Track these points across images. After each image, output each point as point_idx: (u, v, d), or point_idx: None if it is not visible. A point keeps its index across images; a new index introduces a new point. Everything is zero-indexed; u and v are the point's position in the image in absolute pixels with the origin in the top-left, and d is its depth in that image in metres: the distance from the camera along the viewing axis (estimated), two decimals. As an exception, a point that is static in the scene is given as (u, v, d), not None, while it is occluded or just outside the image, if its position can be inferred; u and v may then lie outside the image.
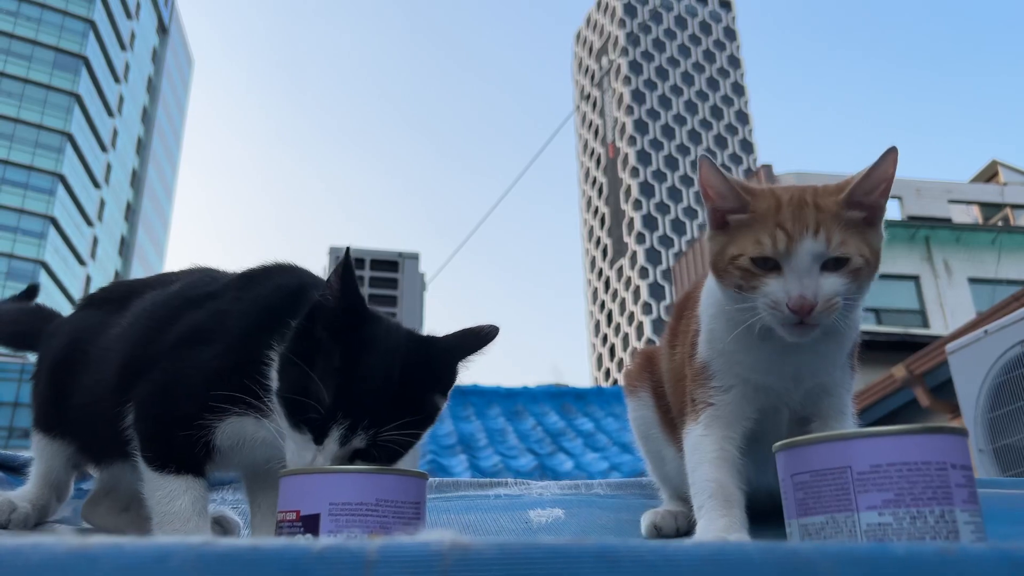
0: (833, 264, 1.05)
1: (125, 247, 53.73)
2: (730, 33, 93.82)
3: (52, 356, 1.35)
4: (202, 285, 1.26)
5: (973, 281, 17.82)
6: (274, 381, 1.06)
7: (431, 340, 1.13)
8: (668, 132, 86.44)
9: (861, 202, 1.09)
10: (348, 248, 1.04)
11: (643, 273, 76.92)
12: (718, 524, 1.04)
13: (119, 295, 1.38)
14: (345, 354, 1.02)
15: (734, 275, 1.09)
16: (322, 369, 1.01)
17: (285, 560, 0.43)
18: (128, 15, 53.10)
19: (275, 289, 1.18)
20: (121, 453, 1.19)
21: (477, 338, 1.13)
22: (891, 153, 1.08)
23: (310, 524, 0.85)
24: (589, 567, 0.44)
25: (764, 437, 1.14)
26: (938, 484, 0.69)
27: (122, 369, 1.19)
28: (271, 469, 1.20)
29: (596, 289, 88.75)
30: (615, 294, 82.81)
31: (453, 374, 1.12)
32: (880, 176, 1.09)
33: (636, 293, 77.40)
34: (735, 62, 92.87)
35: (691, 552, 0.45)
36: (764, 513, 1.14)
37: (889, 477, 0.69)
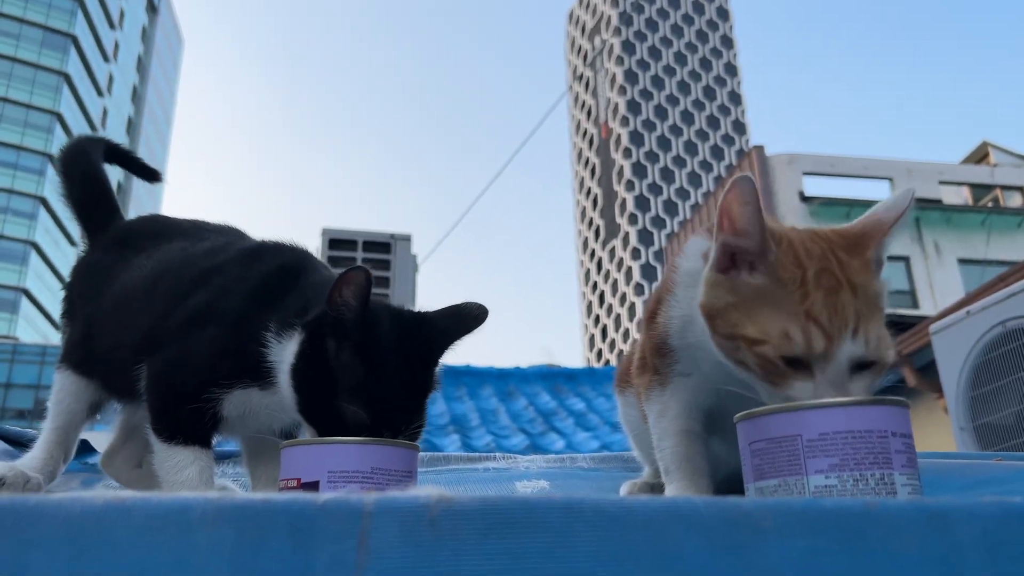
0: (864, 363, 0.91)
1: (116, 228, 53.33)
2: (723, 13, 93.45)
3: (92, 304, 1.41)
4: (220, 253, 1.31)
5: (963, 262, 17.97)
6: (288, 392, 1.10)
7: (425, 318, 1.19)
8: (661, 112, 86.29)
9: (878, 255, 0.97)
10: (368, 271, 1.07)
11: (635, 254, 77.08)
12: (684, 487, 1.11)
13: (152, 235, 1.45)
14: (366, 365, 1.07)
15: (746, 358, 0.93)
16: (349, 388, 1.06)
17: (292, 511, 0.49)
18: (117, -7, 52.61)
19: (275, 270, 1.23)
20: (135, 395, 1.27)
21: (469, 320, 1.19)
22: (907, 195, 0.99)
23: (310, 490, 0.92)
24: (557, 516, 0.51)
25: (727, 421, 1.06)
26: (879, 450, 0.76)
27: (140, 337, 1.26)
28: (271, 443, 1.28)
29: (588, 270, 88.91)
30: (607, 275, 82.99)
31: (444, 350, 1.19)
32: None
33: (628, 274, 77.59)
34: (728, 42, 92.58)
35: (646, 504, 0.52)
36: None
37: (835, 444, 0.76)
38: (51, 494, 0.50)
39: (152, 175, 1.81)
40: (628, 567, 0.50)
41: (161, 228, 1.48)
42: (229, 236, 1.41)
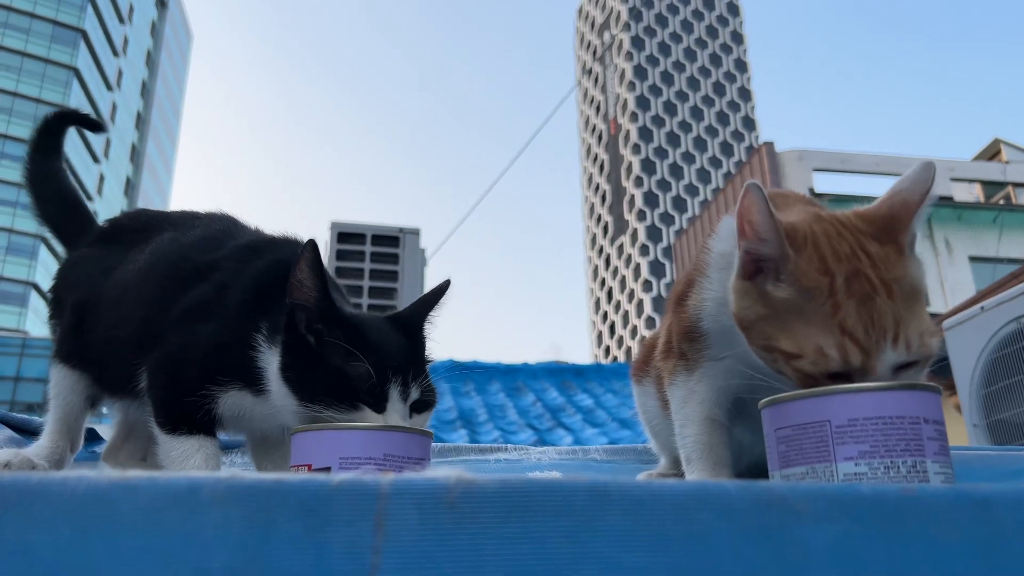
0: (909, 363, 0.88)
1: (125, 222, 53.42)
2: (733, 8, 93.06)
3: (79, 292, 1.39)
4: (214, 246, 1.30)
5: (974, 259, 17.85)
6: (285, 395, 1.09)
7: (397, 314, 1.21)
8: (670, 108, 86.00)
9: (911, 235, 0.94)
10: (312, 240, 1.08)
11: (644, 250, 76.87)
12: (705, 475, 1.09)
13: (141, 227, 1.43)
14: (350, 332, 1.08)
15: (785, 369, 0.91)
16: (342, 351, 1.05)
17: (306, 491, 0.47)
18: (126, -12, 52.68)
19: (270, 265, 1.22)
20: (130, 391, 1.26)
21: (431, 296, 1.21)
22: (928, 168, 0.94)
23: (321, 477, 0.90)
24: (582, 499, 0.48)
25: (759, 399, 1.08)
26: (911, 437, 0.74)
27: (137, 334, 1.24)
28: (274, 435, 1.27)
29: (597, 266, 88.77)
30: (615, 271, 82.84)
31: (423, 340, 1.20)
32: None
33: (637, 270, 77.41)
34: (738, 38, 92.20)
35: (674, 488, 0.50)
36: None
37: (865, 430, 0.74)
38: (54, 473, 0.48)
39: (98, 127, 1.83)
40: (656, 552, 0.48)
41: (148, 221, 1.46)
42: (222, 224, 1.39)
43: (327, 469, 0.90)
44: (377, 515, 0.47)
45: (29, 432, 1.68)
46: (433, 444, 1.49)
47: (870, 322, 0.86)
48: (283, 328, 1.10)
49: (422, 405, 1.10)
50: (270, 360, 1.11)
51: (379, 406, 1.05)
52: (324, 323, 1.08)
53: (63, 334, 1.40)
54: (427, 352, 1.18)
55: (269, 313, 1.14)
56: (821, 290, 0.88)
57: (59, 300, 1.45)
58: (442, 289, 1.21)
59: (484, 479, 0.49)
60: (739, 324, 0.96)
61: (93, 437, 1.76)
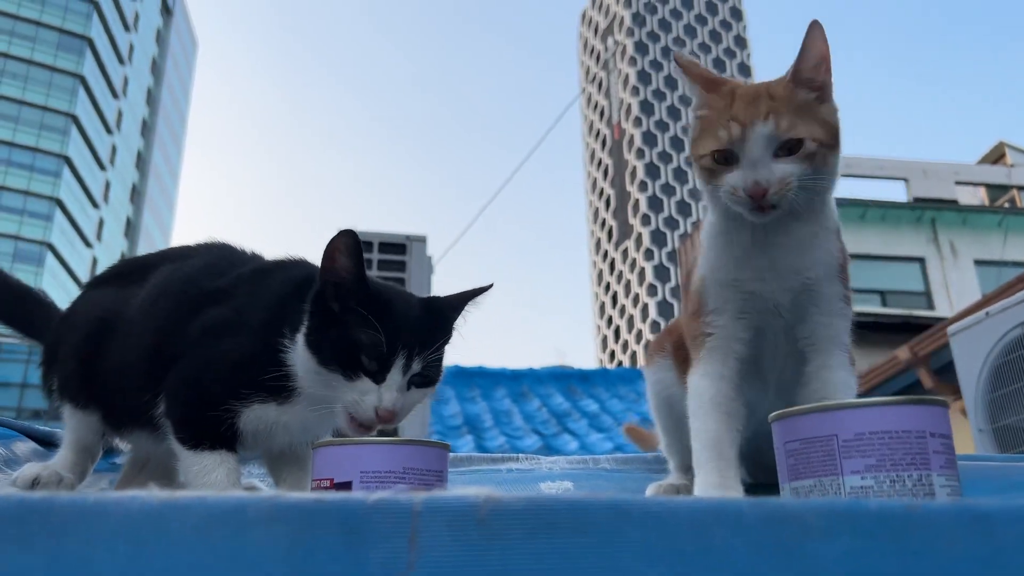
0: (786, 150, 1.15)
1: (131, 229, 53.80)
2: (737, 13, 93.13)
3: (78, 332, 1.39)
4: (218, 273, 1.32)
5: (979, 263, 17.81)
6: (307, 359, 1.13)
7: (432, 297, 1.27)
8: (674, 113, 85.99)
9: (809, 79, 1.20)
10: (351, 229, 1.12)
11: (648, 255, 76.81)
12: (712, 481, 1.15)
13: (135, 268, 1.45)
14: (373, 306, 1.12)
15: (703, 173, 1.23)
16: (359, 321, 1.11)
17: (345, 510, 0.50)
18: (132, -4, 52.94)
19: (284, 282, 1.25)
20: (142, 423, 1.28)
21: (472, 292, 1.26)
22: (815, 27, 1.20)
23: (344, 491, 0.93)
24: (603, 516, 0.51)
25: (761, 367, 1.30)
26: (917, 451, 0.76)
27: (148, 361, 1.25)
28: (291, 451, 1.30)
29: (601, 271, 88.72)
30: (620, 276, 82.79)
31: (451, 329, 1.24)
32: (817, 51, 1.20)
33: (641, 275, 77.34)
34: (741, 42, 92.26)
35: (692, 505, 0.53)
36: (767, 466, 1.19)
37: (871, 444, 0.77)
38: (110, 492, 0.51)
39: None
40: (675, 566, 0.50)
41: (137, 263, 1.48)
42: (221, 251, 1.41)
43: (348, 483, 0.93)
44: (411, 532, 0.50)
45: (52, 444, 1.71)
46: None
47: (750, 108, 1.16)
48: (311, 300, 1.15)
49: (422, 380, 1.15)
50: (295, 356, 1.16)
51: (379, 376, 1.11)
52: (353, 296, 1.13)
53: (67, 376, 1.39)
54: (449, 339, 1.22)
55: (290, 320, 1.18)
56: (726, 104, 1.20)
57: (53, 353, 1.45)
58: (483, 289, 1.27)
59: (511, 497, 0.52)
60: (695, 166, 1.26)
61: (111, 449, 1.79)
